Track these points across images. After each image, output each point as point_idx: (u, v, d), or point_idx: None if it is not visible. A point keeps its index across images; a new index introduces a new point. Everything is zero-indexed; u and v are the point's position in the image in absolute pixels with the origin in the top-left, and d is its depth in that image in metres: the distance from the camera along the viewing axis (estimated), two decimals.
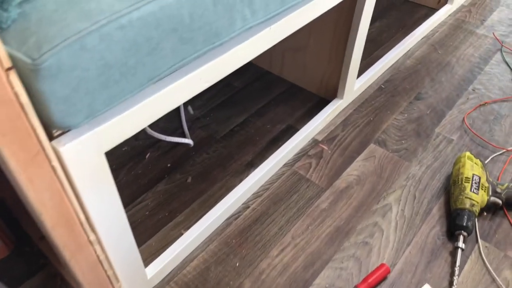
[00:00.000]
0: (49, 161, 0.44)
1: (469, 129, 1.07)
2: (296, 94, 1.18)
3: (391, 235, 0.84)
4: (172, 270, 0.78)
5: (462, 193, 0.84)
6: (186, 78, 0.55)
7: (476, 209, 0.83)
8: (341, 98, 1.10)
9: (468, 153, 0.91)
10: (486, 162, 0.99)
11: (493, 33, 1.43)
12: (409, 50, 1.35)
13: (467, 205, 0.82)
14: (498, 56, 1.33)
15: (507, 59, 1.31)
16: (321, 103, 1.15)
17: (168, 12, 0.46)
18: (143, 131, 1.04)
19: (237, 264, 0.79)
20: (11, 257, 0.80)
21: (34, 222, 0.57)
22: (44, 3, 0.41)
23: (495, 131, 1.07)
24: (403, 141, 1.04)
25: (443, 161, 0.99)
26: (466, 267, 0.79)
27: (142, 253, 0.81)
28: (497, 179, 0.95)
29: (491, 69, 1.27)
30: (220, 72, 0.60)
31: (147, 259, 0.80)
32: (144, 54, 0.46)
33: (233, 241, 0.83)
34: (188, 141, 1.00)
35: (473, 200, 0.83)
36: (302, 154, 1.00)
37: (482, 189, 0.85)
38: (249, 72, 1.25)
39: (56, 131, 0.45)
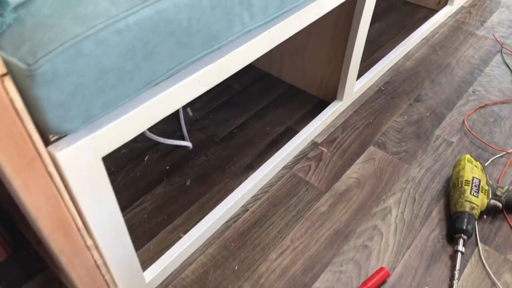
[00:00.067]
0: (45, 166, 0.43)
1: (469, 131, 1.07)
2: (295, 96, 1.17)
3: (391, 238, 0.84)
4: (171, 274, 0.78)
5: (462, 196, 0.84)
6: (184, 82, 0.55)
7: (476, 212, 0.83)
8: (341, 100, 1.10)
9: (468, 156, 0.91)
10: (486, 164, 0.98)
11: (493, 35, 1.43)
12: (409, 52, 1.35)
13: (467, 208, 0.82)
14: (498, 57, 1.32)
15: (507, 61, 1.31)
16: (321, 105, 1.14)
17: (165, 16, 0.45)
18: (142, 133, 1.04)
19: (236, 268, 0.79)
20: (9, 260, 0.80)
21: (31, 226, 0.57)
22: (39, 8, 0.40)
23: (495, 133, 1.06)
24: (402, 143, 1.04)
25: (443, 163, 0.99)
26: (466, 270, 0.79)
27: (140, 256, 0.81)
28: (497, 182, 0.94)
29: (491, 71, 1.27)
30: (218, 76, 0.60)
31: (146, 263, 0.80)
32: (141, 58, 0.45)
33: (232, 244, 0.83)
34: (187, 143, 1.00)
35: (473, 203, 0.82)
36: (302, 156, 1.00)
37: (482, 192, 0.84)
38: (248, 74, 1.25)
39: (53, 136, 0.45)
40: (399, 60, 1.31)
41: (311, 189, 0.93)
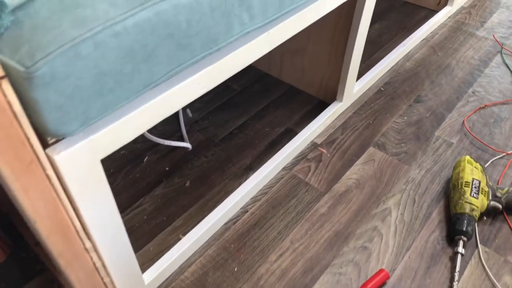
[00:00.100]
0: (44, 169, 0.43)
1: (469, 132, 1.07)
2: (295, 97, 1.17)
3: (391, 239, 0.84)
4: (170, 276, 0.78)
5: (462, 198, 0.83)
6: (183, 83, 0.54)
7: (476, 213, 0.83)
8: (341, 100, 1.10)
9: (468, 157, 0.90)
10: (486, 165, 0.98)
11: (493, 35, 1.42)
12: (409, 52, 1.35)
13: (467, 210, 0.82)
14: (498, 58, 1.32)
15: (507, 61, 1.31)
16: (320, 105, 1.14)
17: (164, 18, 0.45)
18: (141, 134, 1.03)
19: (236, 269, 0.79)
20: (8, 262, 0.79)
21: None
22: (38, 10, 0.40)
23: (495, 134, 1.06)
24: (402, 145, 1.04)
25: (442, 164, 0.98)
26: (466, 272, 0.79)
27: (139, 258, 0.81)
28: (497, 183, 0.94)
29: (491, 72, 1.27)
30: (218, 77, 0.60)
31: (145, 264, 0.79)
32: (139, 61, 0.45)
33: (232, 246, 0.82)
34: (187, 144, 1.00)
35: (473, 204, 0.82)
36: (301, 157, 1.00)
37: (482, 194, 0.84)
38: (248, 75, 1.25)
39: (51, 139, 0.44)
40: (399, 61, 1.31)
41: (310, 190, 0.93)
